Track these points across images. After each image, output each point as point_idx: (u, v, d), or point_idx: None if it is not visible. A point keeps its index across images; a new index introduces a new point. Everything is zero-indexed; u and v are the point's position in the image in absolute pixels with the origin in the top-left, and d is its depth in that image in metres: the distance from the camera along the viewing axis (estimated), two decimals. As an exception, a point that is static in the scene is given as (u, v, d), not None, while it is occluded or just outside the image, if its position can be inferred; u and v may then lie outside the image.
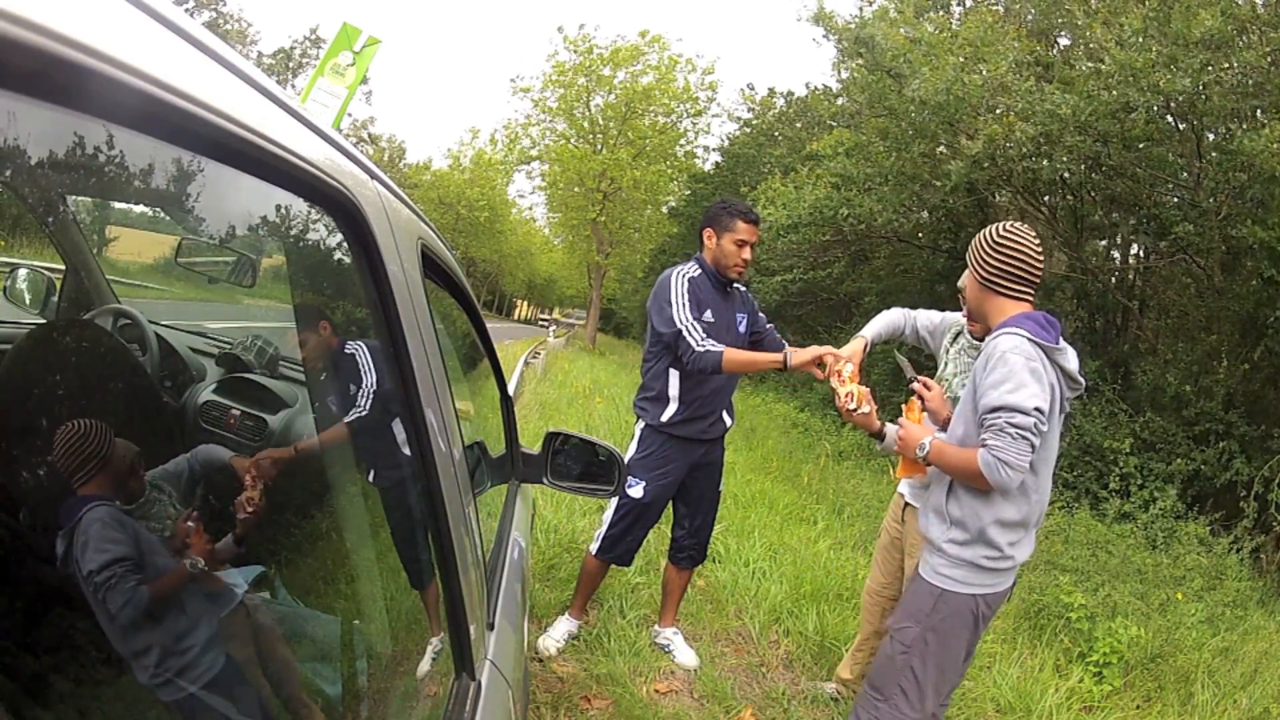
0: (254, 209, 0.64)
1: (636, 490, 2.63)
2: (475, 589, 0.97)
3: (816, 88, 15.55)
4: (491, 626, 1.11)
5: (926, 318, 2.47)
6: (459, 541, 0.87)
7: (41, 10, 0.28)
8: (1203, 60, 5.92)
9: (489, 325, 1.78)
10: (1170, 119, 7.06)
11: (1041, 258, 1.82)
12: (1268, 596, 4.98)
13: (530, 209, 43.46)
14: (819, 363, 2.27)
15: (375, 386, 0.81)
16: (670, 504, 2.81)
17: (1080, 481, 6.60)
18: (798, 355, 2.32)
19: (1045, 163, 7.49)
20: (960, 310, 2.31)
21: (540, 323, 59.06)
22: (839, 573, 3.90)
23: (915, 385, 2.10)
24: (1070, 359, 1.77)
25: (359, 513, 0.84)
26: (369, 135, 38.64)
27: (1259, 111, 6.57)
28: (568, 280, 43.48)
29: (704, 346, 2.40)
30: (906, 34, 7.99)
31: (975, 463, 1.70)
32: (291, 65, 30.57)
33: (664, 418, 2.61)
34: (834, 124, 11.71)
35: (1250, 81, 6.13)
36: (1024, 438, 1.66)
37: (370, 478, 0.90)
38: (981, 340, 2.14)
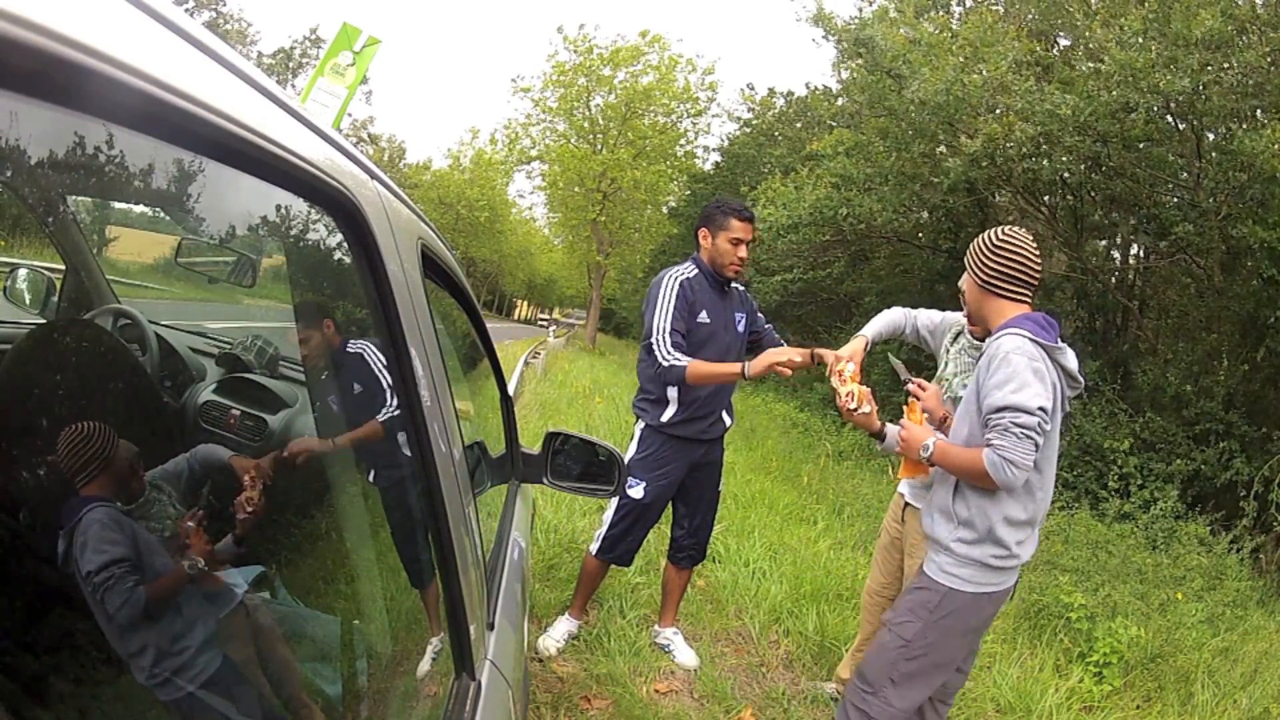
0: (254, 209, 0.64)
1: (636, 491, 2.63)
2: (475, 589, 0.97)
3: (816, 88, 15.58)
4: (491, 626, 1.11)
5: (927, 317, 2.48)
6: (459, 541, 0.87)
7: (41, 10, 0.28)
8: (1202, 60, 5.92)
9: (489, 325, 1.78)
10: (1170, 119, 7.07)
11: (1039, 260, 1.86)
12: (1268, 596, 4.98)
13: (530, 209, 43.48)
14: (816, 361, 2.30)
15: (376, 386, 0.81)
16: (670, 504, 2.81)
17: (1080, 481, 6.60)
18: (754, 365, 2.36)
19: (1045, 163, 7.50)
20: (961, 310, 2.32)
21: (540, 323, 59.08)
22: (839, 573, 3.90)
23: (910, 386, 2.11)
24: (1070, 358, 1.80)
25: (359, 513, 0.84)
26: (369, 135, 38.66)
27: (1259, 111, 6.57)
28: (568, 280, 43.49)
29: (669, 361, 2.43)
30: (906, 34, 7.99)
31: (980, 462, 1.72)
32: (291, 65, 30.58)
33: (663, 418, 2.61)
34: (834, 124, 11.72)
35: (1250, 81, 6.14)
36: (1029, 437, 1.68)
37: (370, 477, 0.90)
38: (982, 341, 2.15)
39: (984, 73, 7.11)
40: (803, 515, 5.22)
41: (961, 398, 1.94)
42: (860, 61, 8.82)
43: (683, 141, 22.14)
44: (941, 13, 9.67)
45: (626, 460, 2.05)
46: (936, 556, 1.90)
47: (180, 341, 1.19)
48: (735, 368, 2.41)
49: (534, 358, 14.15)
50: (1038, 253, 1.86)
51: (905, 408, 2.08)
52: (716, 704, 2.66)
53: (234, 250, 0.88)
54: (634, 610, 3.12)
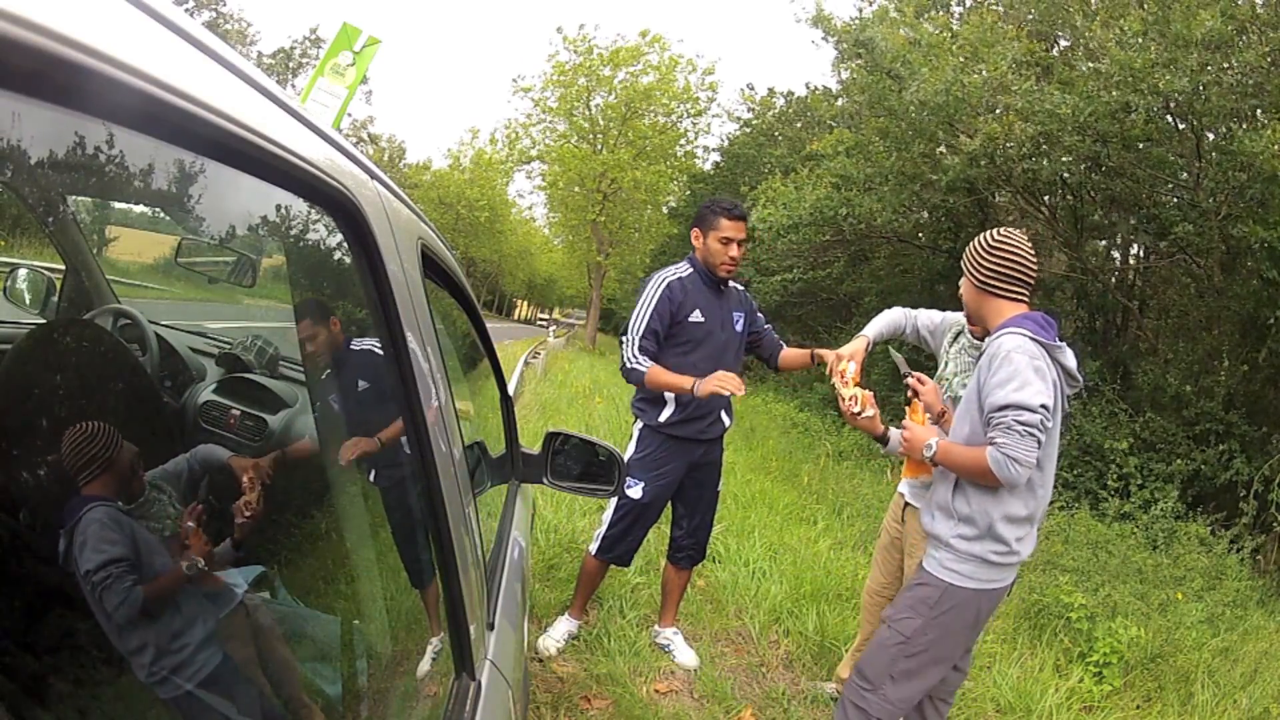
0: (254, 209, 0.64)
1: (635, 491, 2.63)
2: (475, 589, 0.97)
3: (816, 88, 15.56)
4: (491, 626, 1.11)
5: (927, 317, 2.48)
6: (459, 541, 0.87)
7: (41, 10, 0.28)
8: (1201, 60, 5.92)
9: (489, 325, 1.78)
10: (1170, 119, 7.07)
11: (1035, 258, 1.88)
12: (1268, 596, 4.98)
13: (530, 209, 43.52)
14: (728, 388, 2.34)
15: (377, 386, 0.81)
16: (670, 504, 2.81)
17: (1080, 481, 6.60)
18: (701, 385, 2.39)
19: (1045, 163, 7.50)
20: (961, 310, 2.33)
21: (539, 323, 59.07)
22: (839, 573, 3.90)
23: (910, 380, 2.13)
24: (1069, 357, 1.82)
25: (359, 513, 0.84)
26: (369, 135, 38.63)
27: (1259, 111, 6.57)
28: (568, 280, 43.48)
29: (632, 363, 2.49)
30: (906, 35, 7.99)
31: (984, 461, 1.73)
32: (291, 65, 30.56)
33: (661, 418, 2.61)
34: (834, 124, 11.71)
35: (1250, 81, 6.14)
36: (1031, 434, 1.69)
37: (371, 477, 0.90)
38: (982, 340, 2.16)
39: (984, 73, 7.12)
40: (803, 515, 5.22)
41: (961, 397, 1.94)
42: (860, 62, 8.82)
43: (683, 141, 22.17)
44: (942, 13, 9.67)
45: (625, 460, 2.06)
46: (936, 552, 1.90)
47: (180, 341, 1.19)
48: (686, 384, 2.43)
49: (534, 358, 14.15)
50: (1033, 252, 1.88)
51: (907, 409, 2.08)
52: (716, 704, 2.66)
53: (234, 250, 0.88)
54: (634, 610, 3.12)
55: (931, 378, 2.30)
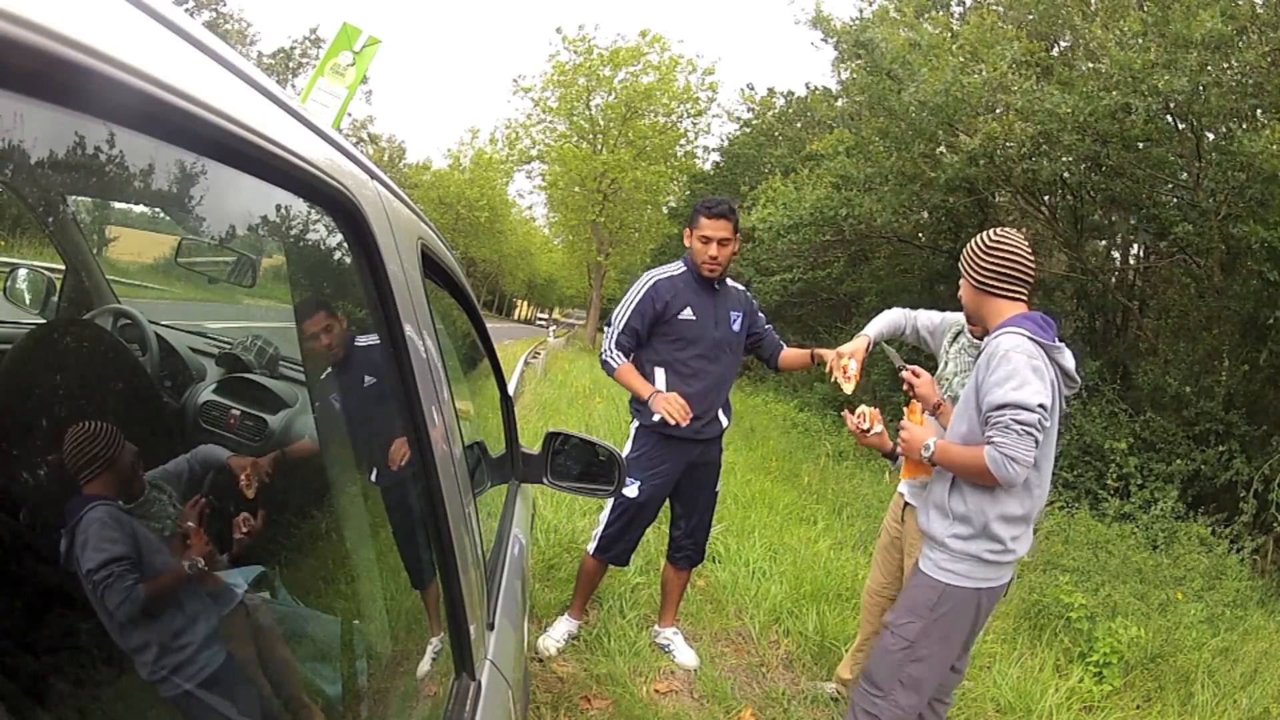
0: (254, 209, 0.64)
1: (631, 490, 2.63)
2: (475, 589, 0.97)
3: (816, 88, 15.54)
4: (491, 626, 1.11)
5: (927, 318, 2.48)
6: (459, 541, 0.87)
7: (41, 10, 0.28)
8: (1201, 61, 5.92)
9: (488, 325, 1.78)
10: (1170, 119, 7.06)
11: (1032, 258, 1.89)
12: (1268, 596, 4.98)
13: (530, 209, 43.49)
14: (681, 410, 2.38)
15: (377, 386, 0.81)
16: (669, 503, 2.81)
17: (1080, 481, 6.60)
18: (655, 399, 2.43)
19: (1045, 163, 7.49)
20: (961, 310, 2.33)
21: (539, 322, 59.06)
22: (839, 573, 3.90)
23: (904, 373, 2.13)
24: (1067, 358, 1.82)
25: (359, 512, 0.84)
26: (369, 135, 38.62)
27: (1259, 111, 6.56)
28: (568, 280, 43.52)
29: (607, 356, 2.57)
30: (906, 35, 7.99)
31: (981, 460, 1.73)
32: (291, 65, 30.54)
33: (656, 417, 2.60)
34: (834, 124, 11.71)
35: (1250, 81, 6.13)
36: (1029, 433, 1.69)
37: (371, 477, 0.90)
38: (981, 340, 2.16)
39: (983, 73, 7.11)
40: (803, 515, 5.21)
41: (961, 396, 1.95)
42: (860, 62, 8.82)
43: (683, 141, 22.18)
44: (942, 13, 9.67)
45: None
46: (932, 553, 1.90)
47: (180, 341, 1.19)
48: (645, 392, 2.49)
49: (534, 358, 14.15)
50: (1030, 251, 1.88)
51: (905, 409, 2.09)
52: (716, 704, 2.66)
53: (234, 250, 0.88)
54: (634, 610, 3.12)
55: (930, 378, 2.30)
